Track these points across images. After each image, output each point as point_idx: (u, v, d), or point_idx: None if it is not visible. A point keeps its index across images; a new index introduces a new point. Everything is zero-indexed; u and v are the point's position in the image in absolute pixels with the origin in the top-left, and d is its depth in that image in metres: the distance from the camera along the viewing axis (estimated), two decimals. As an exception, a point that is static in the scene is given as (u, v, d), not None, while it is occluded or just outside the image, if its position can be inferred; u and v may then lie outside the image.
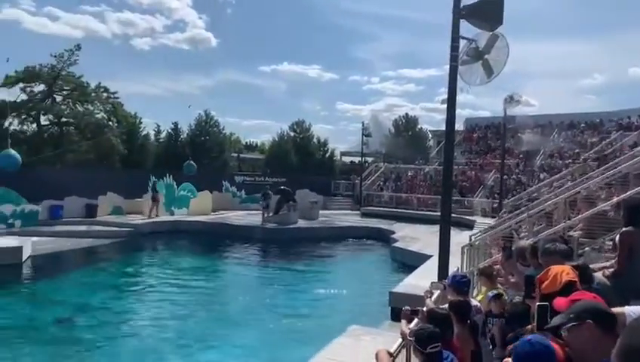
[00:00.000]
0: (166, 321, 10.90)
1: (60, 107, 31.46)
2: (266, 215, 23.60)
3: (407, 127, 56.30)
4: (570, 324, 2.02)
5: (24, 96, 30.65)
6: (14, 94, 30.46)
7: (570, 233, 7.15)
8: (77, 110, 31.86)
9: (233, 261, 18.40)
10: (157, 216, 23.43)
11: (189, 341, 9.64)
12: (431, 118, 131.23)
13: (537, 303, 2.62)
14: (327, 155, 45.05)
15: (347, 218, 27.40)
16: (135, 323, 10.88)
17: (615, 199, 6.41)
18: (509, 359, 2.50)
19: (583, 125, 34.84)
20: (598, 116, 35.47)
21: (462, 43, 8.09)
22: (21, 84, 30.39)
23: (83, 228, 20.68)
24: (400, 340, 4.22)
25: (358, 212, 30.11)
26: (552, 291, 2.82)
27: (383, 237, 21.67)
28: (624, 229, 4.11)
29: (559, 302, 2.44)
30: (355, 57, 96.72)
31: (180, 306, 12.01)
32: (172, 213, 24.91)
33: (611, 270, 4.06)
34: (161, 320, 10.95)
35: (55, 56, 30.41)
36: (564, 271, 2.97)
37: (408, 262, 15.42)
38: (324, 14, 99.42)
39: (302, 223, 23.94)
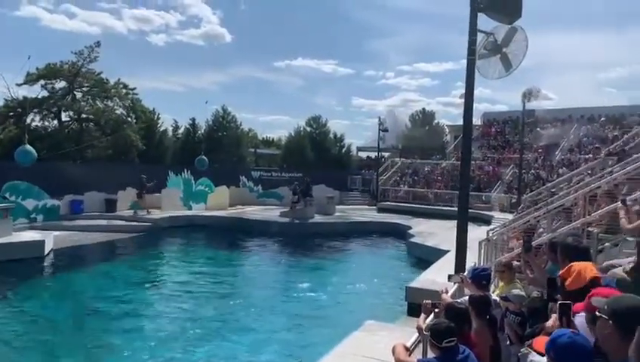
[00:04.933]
0: (183, 314, 11.03)
1: (80, 103, 31.92)
2: (296, 208, 23.88)
3: (424, 121, 55.97)
4: (598, 314, 2.02)
5: (45, 93, 31.19)
6: (35, 91, 31.06)
7: (590, 228, 7.06)
8: (97, 106, 32.31)
9: (250, 255, 18.55)
10: (148, 212, 22.87)
11: (206, 334, 9.76)
12: (447, 113, 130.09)
13: (560, 302, 2.60)
14: (343, 151, 44.98)
15: (363, 213, 27.37)
16: (154, 316, 11.05)
17: (636, 194, 6.31)
18: (528, 349, 2.50)
19: (603, 119, 34.22)
20: (619, 110, 34.78)
21: (480, 36, 8.00)
22: (42, 81, 30.88)
23: (103, 222, 21.04)
24: (416, 335, 4.23)
25: (374, 207, 30.04)
26: (577, 288, 2.81)
27: (400, 233, 21.60)
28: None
29: (578, 306, 2.44)
30: (370, 52, 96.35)
31: (197, 300, 12.15)
32: (190, 208, 25.18)
33: (632, 265, 4.01)
34: (178, 313, 11.09)
35: (75, 53, 30.88)
36: (587, 268, 2.95)
37: (425, 258, 15.35)
38: (337, 9, 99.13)
39: (318, 218, 24.01)
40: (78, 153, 29.83)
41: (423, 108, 58.49)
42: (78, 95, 32.38)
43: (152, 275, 14.97)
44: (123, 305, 11.49)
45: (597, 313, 2.03)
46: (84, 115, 32.19)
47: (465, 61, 7.89)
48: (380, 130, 34.30)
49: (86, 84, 32.08)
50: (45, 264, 15.30)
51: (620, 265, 4.27)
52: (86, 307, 11.30)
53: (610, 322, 1.92)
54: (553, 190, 13.81)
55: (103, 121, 31.67)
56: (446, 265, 11.23)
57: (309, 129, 44.02)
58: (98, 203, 22.76)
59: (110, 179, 23.38)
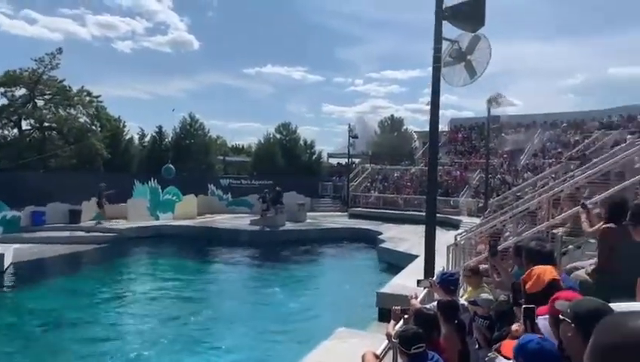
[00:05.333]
0: (150, 327, 10.77)
1: (41, 112, 31.00)
2: (267, 215, 23.80)
3: (392, 128, 56.57)
4: (562, 317, 2.03)
5: (4, 101, 30.23)
6: (-6, 99, 30.04)
7: (554, 231, 7.22)
8: (59, 114, 31.43)
9: (219, 265, 18.28)
10: (99, 223, 22.24)
11: (174, 351, 9.53)
12: (415, 119, 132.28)
13: (524, 306, 2.63)
14: (313, 157, 44.98)
15: (334, 219, 27.39)
16: (120, 330, 10.75)
17: (596, 197, 6.49)
18: (495, 353, 2.51)
19: (565, 124, 35.29)
20: (580, 115, 35.97)
21: (445, 44, 8.12)
22: (1, 89, 29.92)
23: (66, 234, 20.38)
24: (386, 342, 4.21)
25: (345, 213, 30.13)
26: (537, 291, 2.85)
27: (370, 238, 21.70)
28: (605, 226, 4.16)
29: (541, 310, 2.46)
30: (339, 59, 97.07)
31: (165, 314, 11.87)
32: (157, 218, 24.66)
33: (593, 267, 4.11)
34: (145, 326, 10.83)
35: (36, 60, 30.00)
36: (547, 271, 3.00)
37: (395, 263, 15.44)
38: (306, 16, 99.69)
39: (289, 225, 23.89)
40: (41, 163, 28.92)
41: (392, 115, 59.17)
42: (40, 103, 31.45)
43: (117, 288, 14.55)
44: (86, 320, 11.13)
45: (560, 316, 2.04)
46: (46, 124, 31.28)
47: (431, 68, 7.99)
48: (349, 136, 34.50)
49: (48, 92, 31.19)
50: (5, 278, 14.72)
51: (583, 267, 4.37)
52: (48, 323, 10.89)
53: (573, 325, 1.93)
54: (519, 194, 14.14)
55: (66, 129, 30.82)
56: (416, 270, 11.28)
57: (278, 136, 43.87)
58: (61, 214, 22.04)
59: (74, 189, 22.63)
